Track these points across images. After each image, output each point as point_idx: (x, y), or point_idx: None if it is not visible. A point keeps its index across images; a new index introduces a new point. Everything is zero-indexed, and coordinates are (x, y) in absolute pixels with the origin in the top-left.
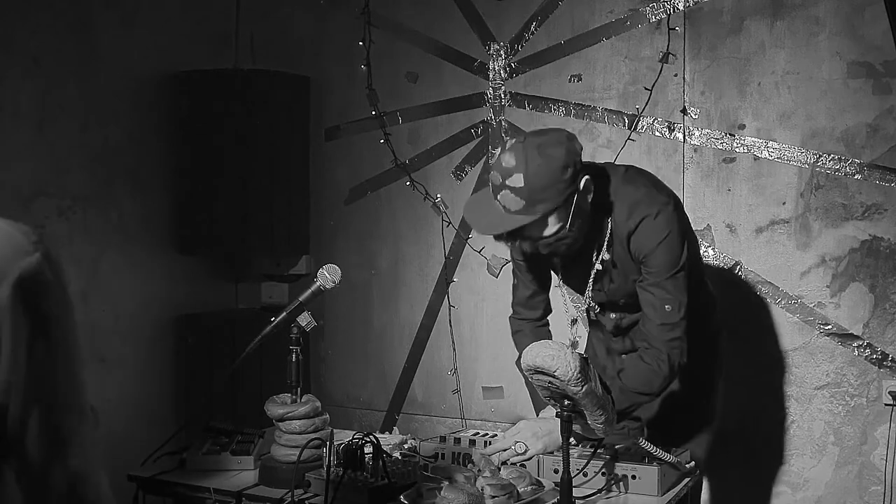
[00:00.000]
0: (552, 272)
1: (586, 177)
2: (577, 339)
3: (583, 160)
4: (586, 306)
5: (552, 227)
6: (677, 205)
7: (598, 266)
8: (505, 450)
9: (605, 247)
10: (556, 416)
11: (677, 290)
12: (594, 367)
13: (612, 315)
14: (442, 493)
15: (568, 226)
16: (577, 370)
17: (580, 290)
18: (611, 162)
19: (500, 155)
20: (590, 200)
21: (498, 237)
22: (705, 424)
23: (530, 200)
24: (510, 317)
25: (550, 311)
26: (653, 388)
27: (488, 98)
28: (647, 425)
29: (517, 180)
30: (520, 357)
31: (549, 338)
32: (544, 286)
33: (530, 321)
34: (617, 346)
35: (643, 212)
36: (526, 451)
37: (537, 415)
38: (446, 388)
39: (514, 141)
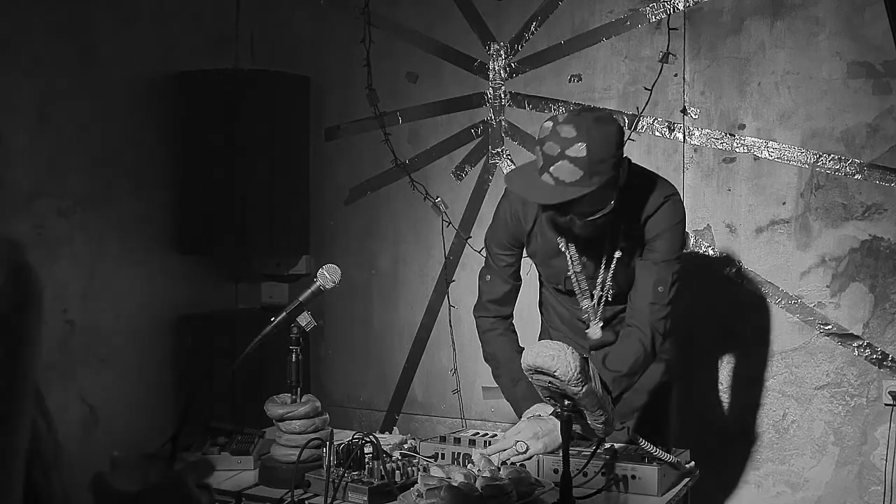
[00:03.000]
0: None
1: (627, 157)
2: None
3: None
4: (602, 296)
5: (601, 202)
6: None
7: (617, 254)
8: (505, 450)
9: (620, 234)
10: (555, 415)
11: (673, 276)
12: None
13: (592, 320)
14: (442, 493)
15: (612, 203)
16: (577, 370)
17: (590, 279)
18: None
19: (554, 126)
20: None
21: (552, 207)
22: (661, 428)
23: (589, 171)
24: (479, 317)
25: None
26: (637, 367)
27: (488, 98)
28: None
29: (579, 150)
30: (485, 355)
31: (517, 339)
32: (518, 281)
33: (503, 319)
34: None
35: (663, 195)
36: (526, 451)
37: (519, 418)
38: (446, 388)
39: (567, 114)
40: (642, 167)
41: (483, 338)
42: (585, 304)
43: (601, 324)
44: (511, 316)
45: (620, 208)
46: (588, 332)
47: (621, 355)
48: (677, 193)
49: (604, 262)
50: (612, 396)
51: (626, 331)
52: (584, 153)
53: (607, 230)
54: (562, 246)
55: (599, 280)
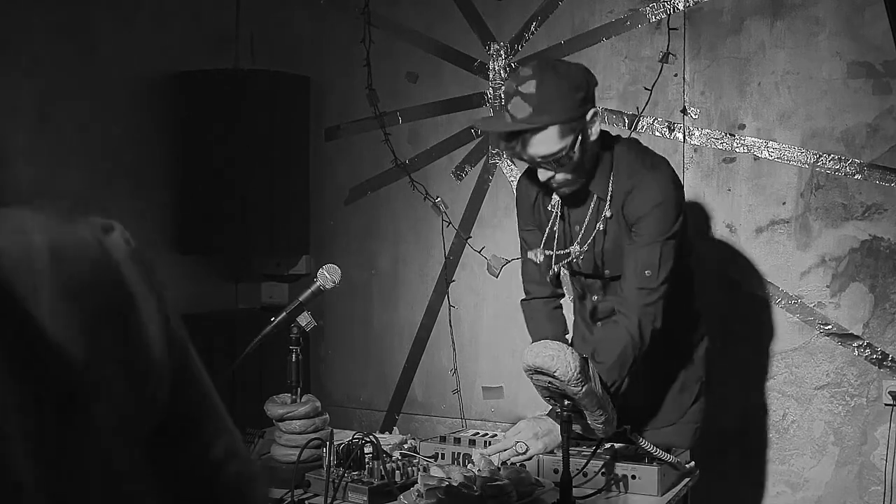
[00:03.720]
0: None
1: (594, 109)
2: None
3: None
4: (572, 258)
5: (553, 144)
6: (675, 178)
7: (600, 225)
8: (505, 450)
9: (608, 203)
10: (555, 415)
11: (662, 257)
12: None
13: (594, 297)
14: (442, 493)
15: (568, 149)
16: (577, 370)
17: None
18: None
19: (516, 68)
20: (593, 138)
21: (501, 136)
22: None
23: (537, 109)
24: (522, 301)
25: (562, 289)
26: (626, 357)
27: (488, 98)
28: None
29: (529, 87)
30: None
31: (565, 323)
32: None
33: (544, 300)
34: (597, 334)
35: (642, 175)
36: (526, 451)
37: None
38: (446, 388)
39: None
40: (642, 145)
41: (528, 329)
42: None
43: (596, 297)
44: (554, 296)
45: (602, 177)
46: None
47: (607, 345)
48: (664, 174)
49: (594, 231)
50: (610, 385)
51: (613, 318)
52: (532, 89)
53: (588, 199)
54: (551, 206)
55: (588, 250)
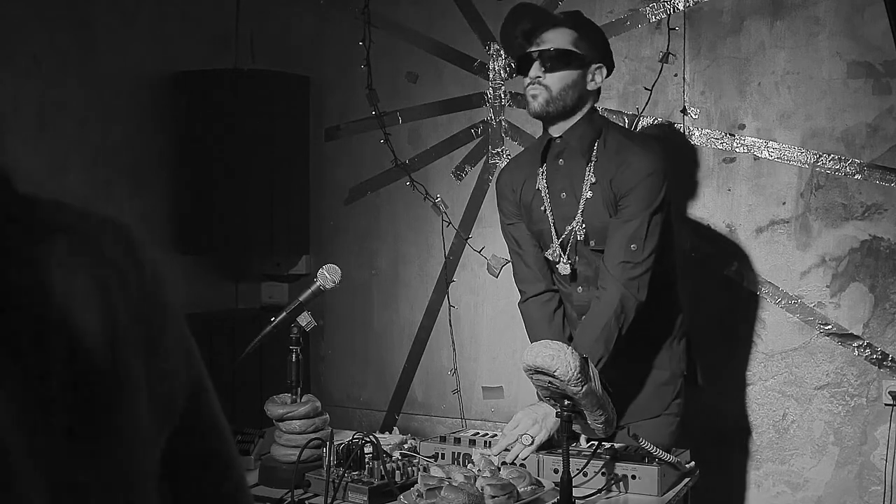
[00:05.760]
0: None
1: (605, 68)
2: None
3: None
4: (573, 232)
5: (565, 42)
6: (665, 159)
7: (588, 193)
8: (509, 447)
9: (591, 168)
10: (556, 415)
11: (649, 230)
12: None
13: (580, 289)
14: (442, 493)
15: (573, 60)
16: (577, 370)
17: (564, 219)
18: None
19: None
20: (590, 87)
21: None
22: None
23: (575, 41)
24: (519, 304)
25: (555, 282)
26: (612, 332)
27: (488, 98)
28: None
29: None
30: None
31: (553, 310)
32: (539, 249)
33: (541, 300)
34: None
35: (632, 148)
36: (533, 442)
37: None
38: (446, 388)
39: None
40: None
41: (528, 333)
42: (555, 239)
43: (569, 261)
44: (549, 291)
45: (586, 131)
46: (558, 268)
47: (590, 320)
48: (654, 150)
49: (578, 201)
50: (597, 365)
51: (596, 294)
52: (570, 19)
53: (578, 171)
54: (540, 177)
55: (575, 220)
